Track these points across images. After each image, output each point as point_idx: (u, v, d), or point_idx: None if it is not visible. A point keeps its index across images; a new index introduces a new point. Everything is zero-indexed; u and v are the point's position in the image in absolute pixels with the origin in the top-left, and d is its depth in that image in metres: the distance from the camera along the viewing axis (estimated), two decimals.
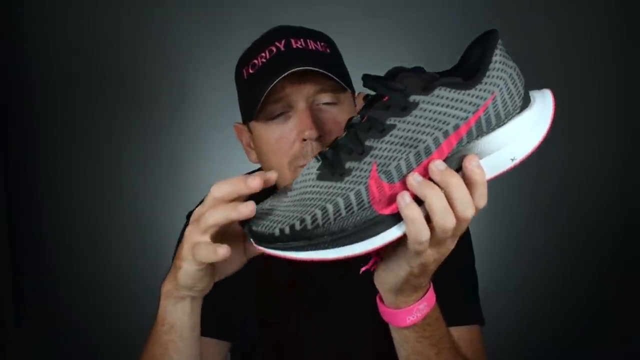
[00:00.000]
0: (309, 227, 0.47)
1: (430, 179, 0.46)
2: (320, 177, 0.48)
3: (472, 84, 0.46)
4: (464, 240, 0.86)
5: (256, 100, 0.72)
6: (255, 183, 0.50)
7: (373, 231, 0.47)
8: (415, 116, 0.46)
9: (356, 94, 0.81)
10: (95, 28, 1.67)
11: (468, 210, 0.46)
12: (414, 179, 0.46)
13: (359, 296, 0.64)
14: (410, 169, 0.46)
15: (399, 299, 0.54)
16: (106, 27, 1.67)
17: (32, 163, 1.69)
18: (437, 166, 0.46)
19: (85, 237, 1.69)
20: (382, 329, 0.59)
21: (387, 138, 0.46)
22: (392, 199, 0.47)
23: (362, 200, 0.47)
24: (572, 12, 1.68)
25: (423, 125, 0.46)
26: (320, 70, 0.70)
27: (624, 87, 1.70)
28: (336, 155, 0.48)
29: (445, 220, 0.46)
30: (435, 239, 0.48)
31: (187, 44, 1.67)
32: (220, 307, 0.82)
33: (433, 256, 0.50)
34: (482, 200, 0.47)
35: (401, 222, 0.47)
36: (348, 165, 0.47)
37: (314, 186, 0.49)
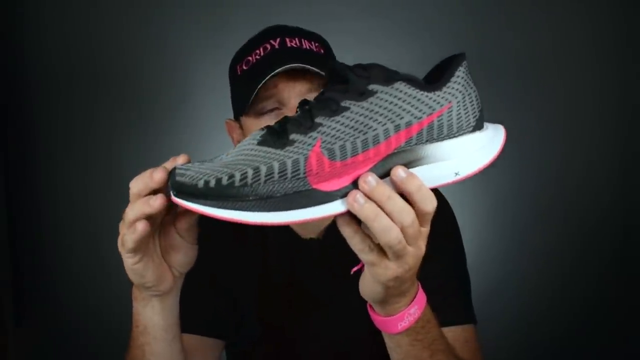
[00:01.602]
0: (237, 183, 0.45)
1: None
2: (261, 143, 0.48)
3: (432, 88, 0.47)
4: (455, 240, 0.86)
5: (248, 95, 0.73)
6: (158, 176, 0.49)
7: (300, 203, 0.46)
8: (371, 103, 0.46)
9: None
10: (95, 28, 1.67)
11: (407, 219, 0.46)
12: (356, 201, 0.45)
13: (357, 297, 0.64)
14: (355, 154, 0.46)
15: (387, 308, 0.54)
16: (106, 27, 1.67)
17: (32, 163, 1.69)
18: (368, 183, 0.45)
19: (85, 237, 1.68)
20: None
21: (338, 118, 0.47)
22: (329, 177, 0.46)
23: (298, 169, 0.46)
24: (572, 12, 1.68)
25: (377, 113, 0.46)
26: (313, 69, 0.71)
27: (623, 87, 1.70)
28: (283, 127, 0.48)
29: (389, 235, 0.45)
30: (391, 253, 0.47)
31: (187, 44, 1.67)
32: (216, 306, 0.83)
33: (401, 268, 0.48)
34: (425, 204, 0.46)
35: (330, 202, 0.46)
36: (293, 137, 0.47)
37: (252, 149, 0.48)
